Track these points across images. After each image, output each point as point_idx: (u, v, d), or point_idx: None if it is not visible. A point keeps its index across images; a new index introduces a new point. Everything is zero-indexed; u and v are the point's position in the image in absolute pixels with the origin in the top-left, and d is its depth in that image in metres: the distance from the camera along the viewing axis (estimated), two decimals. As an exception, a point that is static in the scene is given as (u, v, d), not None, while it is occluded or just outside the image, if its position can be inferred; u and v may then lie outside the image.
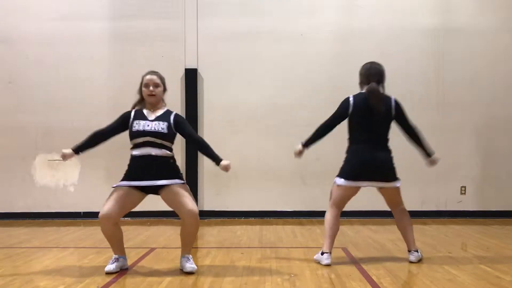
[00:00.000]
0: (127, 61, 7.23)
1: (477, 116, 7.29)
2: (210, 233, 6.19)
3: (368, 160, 4.28)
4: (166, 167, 4.05)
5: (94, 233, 6.13)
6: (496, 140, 7.29)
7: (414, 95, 7.27)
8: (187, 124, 4.23)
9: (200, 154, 7.26)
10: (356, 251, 4.89)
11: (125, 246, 5.21)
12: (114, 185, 4.05)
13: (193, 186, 7.25)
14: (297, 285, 3.70)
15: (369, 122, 4.30)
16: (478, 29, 7.27)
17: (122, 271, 4.10)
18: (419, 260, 4.41)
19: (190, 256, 4.11)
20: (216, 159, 4.18)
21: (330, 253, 4.32)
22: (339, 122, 4.46)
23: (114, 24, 7.36)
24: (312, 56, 7.32)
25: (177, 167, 4.17)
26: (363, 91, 4.38)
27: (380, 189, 4.44)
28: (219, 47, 7.34)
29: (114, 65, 7.28)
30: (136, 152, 4.04)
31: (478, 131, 7.30)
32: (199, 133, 7.30)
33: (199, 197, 7.27)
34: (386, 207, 7.14)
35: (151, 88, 4.09)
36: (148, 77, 4.13)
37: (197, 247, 5.23)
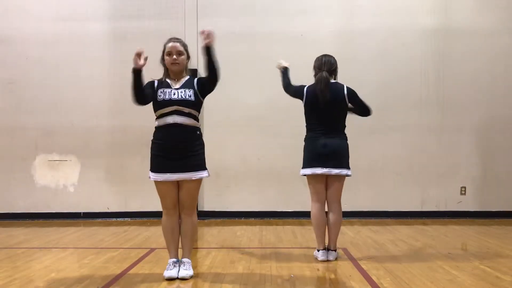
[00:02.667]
0: (127, 61, 7.08)
1: (477, 116, 7.28)
2: (210, 234, 6.19)
3: (319, 147, 4.47)
4: (194, 143, 3.88)
5: (94, 234, 6.13)
6: (496, 140, 7.29)
7: (414, 95, 7.28)
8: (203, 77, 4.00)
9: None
10: (356, 251, 4.89)
11: (124, 246, 5.25)
12: (151, 177, 3.91)
13: (193, 186, 7.27)
14: (297, 285, 3.71)
15: (320, 110, 4.53)
16: (478, 29, 7.26)
17: (121, 272, 4.10)
18: (336, 259, 4.52)
19: (188, 260, 4.03)
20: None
21: (324, 248, 4.53)
22: (291, 92, 4.80)
23: (114, 24, 7.35)
24: (312, 56, 7.23)
25: (203, 143, 4.00)
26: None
27: (328, 179, 4.55)
28: (219, 47, 7.20)
29: (114, 65, 7.27)
30: (162, 121, 3.84)
31: (478, 131, 7.30)
32: (199, 133, 7.30)
33: (199, 197, 7.25)
34: (386, 208, 7.26)
35: (174, 56, 3.90)
36: (170, 44, 3.94)
37: (197, 248, 5.23)
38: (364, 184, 7.19)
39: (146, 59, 3.81)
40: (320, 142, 4.47)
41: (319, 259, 4.49)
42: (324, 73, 4.52)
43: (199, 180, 3.94)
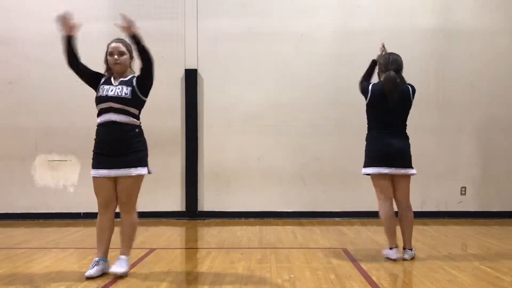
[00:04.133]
0: (127, 62, 7.22)
1: (477, 116, 7.28)
2: (210, 234, 6.19)
3: (384, 148, 4.44)
4: (131, 140, 3.93)
5: (94, 234, 6.08)
6: (496, 140, 7.28)
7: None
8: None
9: (200, 155, 7.29)
10: (356, 252, 4.89)
11: (125, 246, 5.24)
12: (92, 174, 4.07)
13: (193, 186, 7.27)
14: (297, 286, 3.70)
15: (386, 110, 4.45)
16: (478, 29, 7.26)
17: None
18: (412, 258, 4.50)
19: (123, 257, 4.03)
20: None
21: (397, 246, 4.48)
22: (360, 89, 4.66)
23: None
24: (312, 56, 7.32)
25: (143, 140, 4.03)
26: (381, 79, 4.54)
27: (394, 179, 4.53)
28: (219, 47, 7.34)
29: (114, 66, 7.26)
30: (100, 119, 3.97)
31: (478, 131, 7.30)
32: (199, 133, 7.30)
33: (199, 197, 7.27)
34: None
35: (115, 56, 3.98)
36: (113, 44, 4.01)
37: (197, 248, 5.24)
38: (365, 184, 7.14)
39: (74, 25, 3.90)
40: (385, 141, 4.43)
41: (393, 257, 4.42)
42: (392, 73, 4.41)
43: (138, 177, 3.99)
